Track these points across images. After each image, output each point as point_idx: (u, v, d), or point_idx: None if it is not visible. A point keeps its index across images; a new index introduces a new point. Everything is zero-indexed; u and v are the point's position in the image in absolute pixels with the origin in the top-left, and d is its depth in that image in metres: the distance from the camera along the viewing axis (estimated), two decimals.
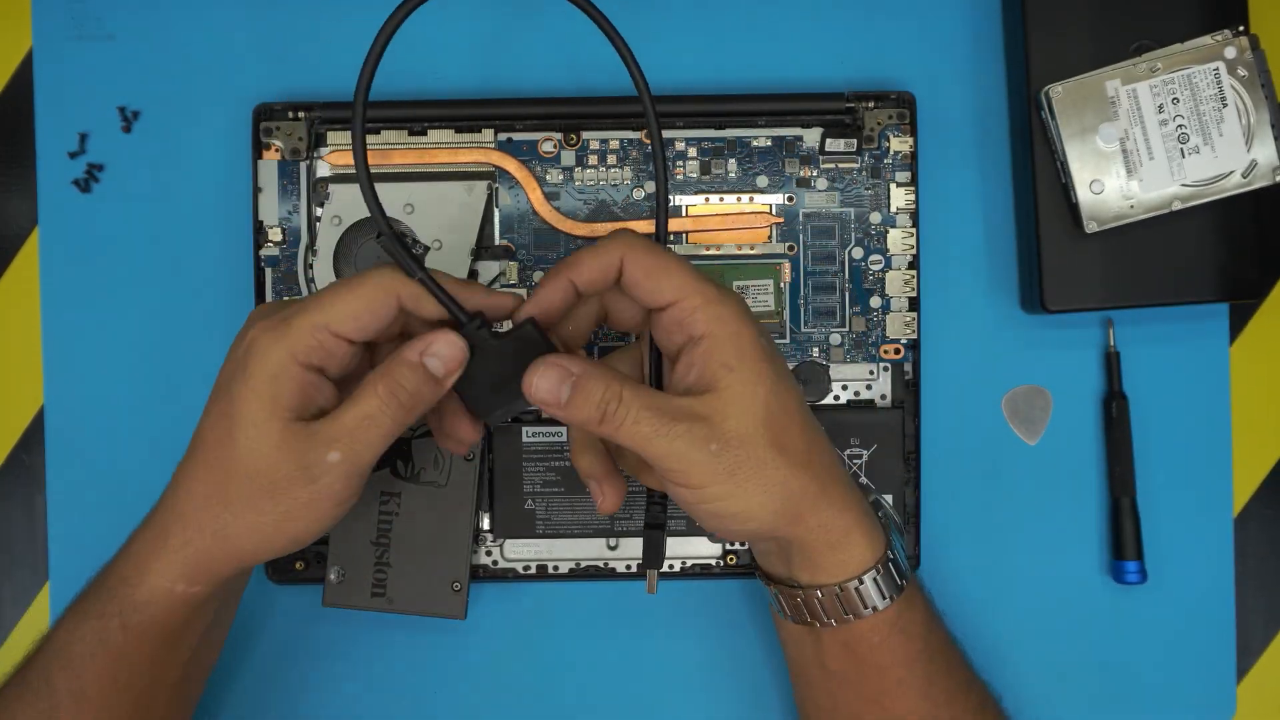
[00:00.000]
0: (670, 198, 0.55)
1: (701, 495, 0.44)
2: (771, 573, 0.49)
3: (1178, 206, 0.52)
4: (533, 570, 0.55)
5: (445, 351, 0.44)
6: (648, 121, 0.46)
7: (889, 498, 0.55)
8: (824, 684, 0.49)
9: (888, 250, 0.55)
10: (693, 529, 0.55)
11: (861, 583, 0.46)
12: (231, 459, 0.44)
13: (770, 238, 0.55)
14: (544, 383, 0.44)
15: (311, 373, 0.44)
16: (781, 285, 0.55)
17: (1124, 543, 0.55)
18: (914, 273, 0.55)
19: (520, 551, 0.55)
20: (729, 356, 0.44)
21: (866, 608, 0.46)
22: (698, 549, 0.55)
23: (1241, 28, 0.52)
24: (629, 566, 0.55)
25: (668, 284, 0.44)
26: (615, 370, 0.45)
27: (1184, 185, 0.52)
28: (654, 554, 0.48)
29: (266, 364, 0.43)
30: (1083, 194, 0.52)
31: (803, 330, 0.55)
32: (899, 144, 0.55)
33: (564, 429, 0.54)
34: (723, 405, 0.44)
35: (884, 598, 0.46)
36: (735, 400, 0.44)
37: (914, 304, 0.55)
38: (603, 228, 0.55)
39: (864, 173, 0.55)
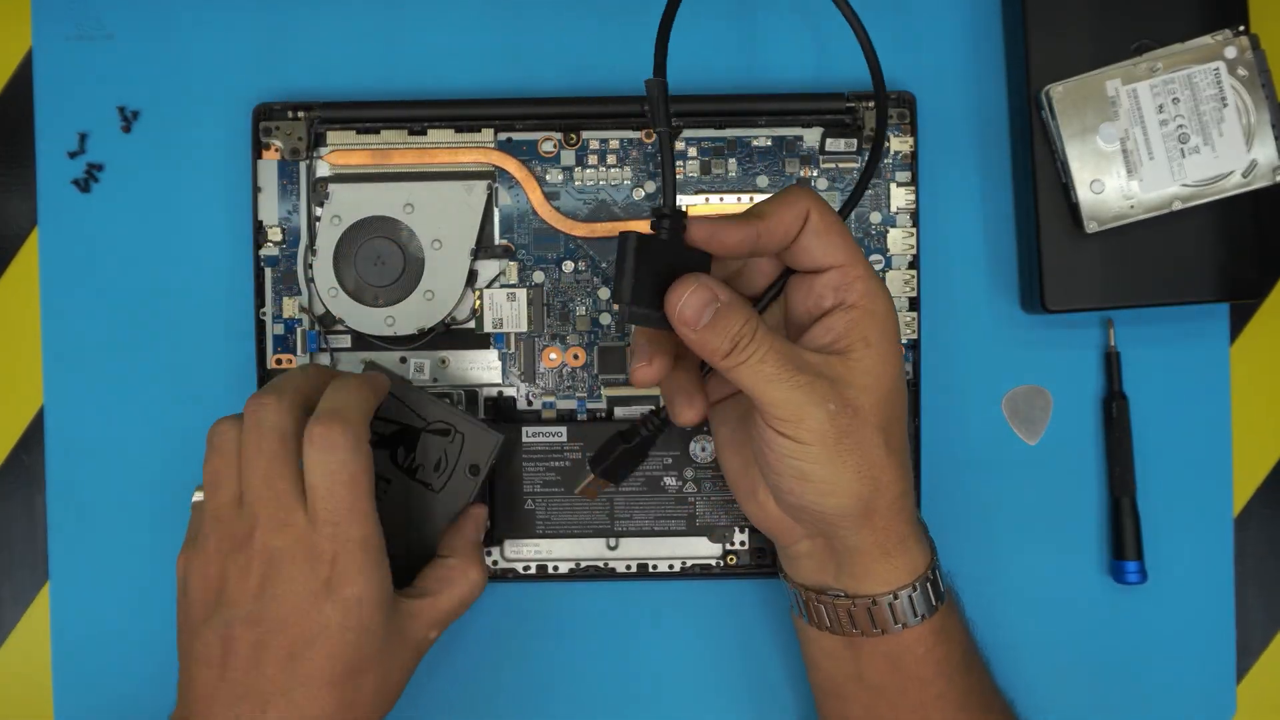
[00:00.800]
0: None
1: (801, 451, 0.43)
2: (805, 581, 0.48)
3: (1178, 206, 0.52)
4: (533, 570, 0.55)
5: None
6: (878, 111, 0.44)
7: None
8: (859, 697, 0.48)
9: (888, 250, 0.55)
10: (692, 529, 0.55)
11: (915, 590, 0.46)
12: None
13: None
14: (693, 299, 0.43)
15: None
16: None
17: (1124, 543, 0.55)
18: (914, 273, 0.55)
19: (520, 551, 0.55)
20: (872, 333, 0.44)
21: (916, 616, 0.46)
22: (697, 549, 0.55)
23: (1242, 28, 0.52)
24: (629, 566, 0.55)
25: (839, 247, 0.45)
26: (754, 309, 0.44)
27: (1184, 185, 0.52)
28: (610, 465, 0.49)
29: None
30: (1083, 194, 0.52)
31: None
32: (899, 144, 0.55)
33: (564, 429, 0.54)
34: (851, 373, 0.44)
35: (931, 607, 0.46)
36: (865, 373, 0.44)
37: (914, 304, 0.55)
38: (603, 227, 0.55)
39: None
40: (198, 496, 0.48)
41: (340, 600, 0.44)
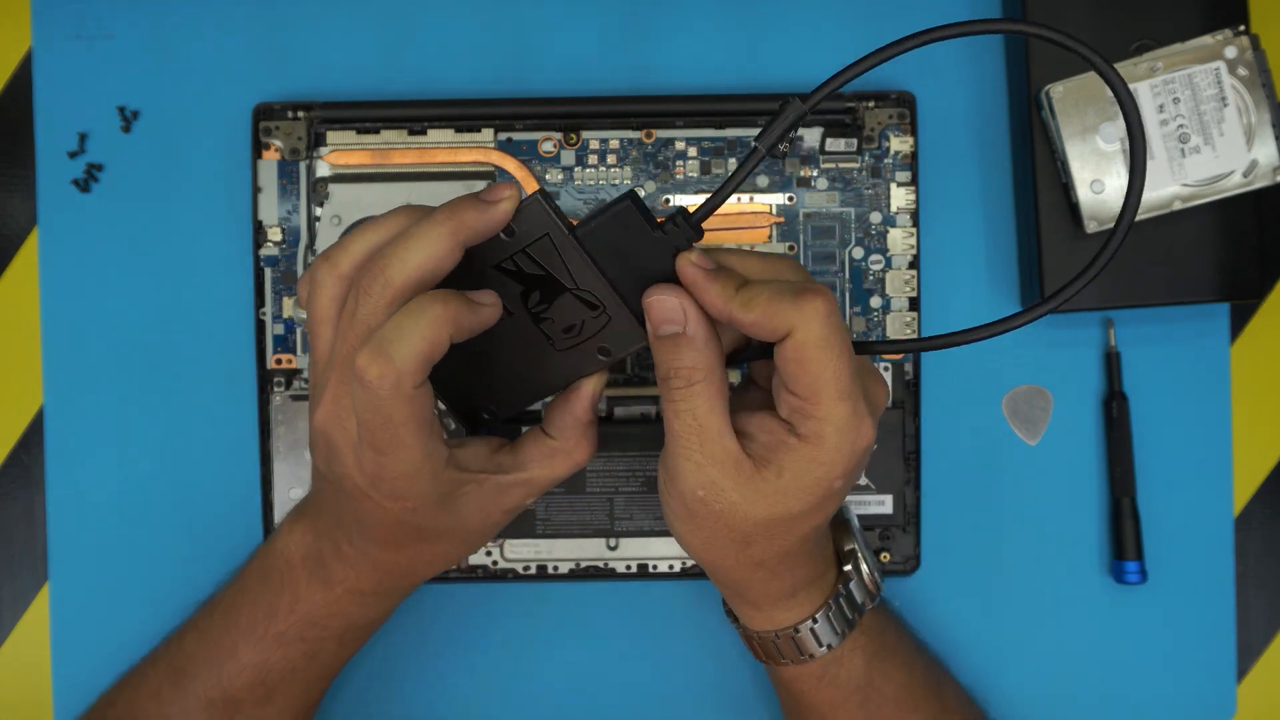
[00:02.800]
0: (672, 198, 0.55)
1: (664, 500, 0.44)
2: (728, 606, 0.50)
3: (1178, 206, 0.52)
4: (533, 570, 0.55)
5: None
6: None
7: (855, 518, 0.51)
8: (786, 709, 0.52)
9: (888, 250, 0.55)
10: None
11: (798, 631, 0.47)
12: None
13: (770, 238, 0.55)
14: (664, 308, 0.42)
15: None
16: None
17: (1124, 543, 0.55)
18: (914, 273, 0.55)
19: (520, 551, 0.55)
20: (793, 470, 0.42)
21: (804, 654, 0.47)
22: None
23: (1242, 27, 0.52)
24: (629, 566, 0.55)
25: (808, 383, 0.40)
26: (715, 353, 0.42)
27: (1184, 185, 0.52)
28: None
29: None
30: (1083, 194, 0.52)
31: None
32: (899, 144, 0.55)
33: None
34: (741, 486, 0.42)
35: (821, 645, 0.47)
36: (754, 495, 0.42)
37: (914, 304, 0.55)
38: None
39: (864, 173, 0.55)
40: (302, 314, 0.48)
41: (388, 507, 0.43)
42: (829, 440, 0.41)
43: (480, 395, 0.46)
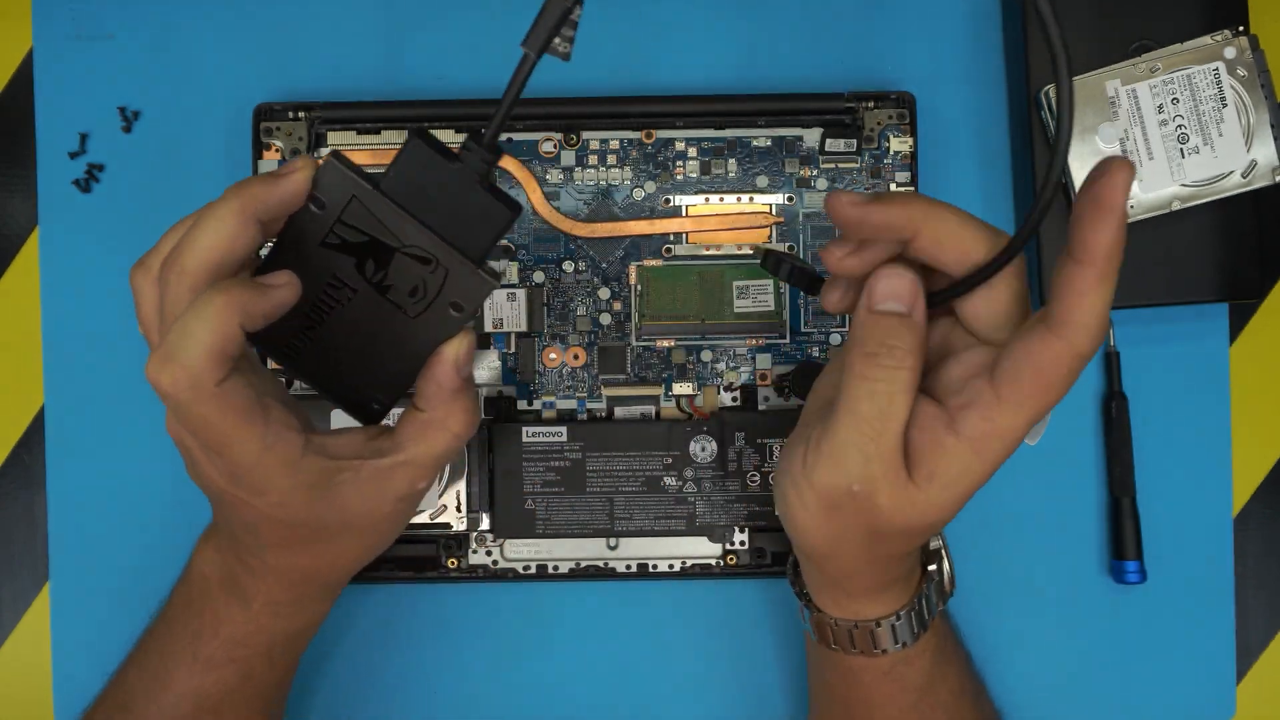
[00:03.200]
0: (672, 198, 0.56)
1: (798, 477, 0.41)
2: (801, 586, 0.48)
3: (1177, 206, 0.52)
4: (533, 570, 0.55)
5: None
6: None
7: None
8: (825, 705, 0.50)
9: None
10: (692, 529, 0.55)
11: (878, 625, 0.45)
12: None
13: (770, 238, 0.55)
14: (896, 285, 0.39)
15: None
16: (781, 285, 0.55)
17: (1124, 543, 0.55)
18: None
19: (520, 551, 0.55)
20: (947, 475, 0.39)
21: (878, 649, 0.46)
22: (697, 549, 0.55)
23: (1241, 28, 0.52)
24: (629, 566, 0.55)
25: (1005, 310, 0.39)
26: (922, 346, 0.39)
27: (1184, 185, 0.52)
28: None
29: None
30: None
31: (803, 330, 0.55)
32: (899, 144, 0.55)
33: (564, 429, 0.55)
34: (891, 495, 0.40)
35: (896, 642, 0.46)
36: (902, 505, 0.40)
37: None
38: (603, 227, 0.55)
39: (864, 173, 0.55)
40: None
41: (258, 504, 0.42)
42: (994, 448, 0.38)
43: (362, 385, 0.43)
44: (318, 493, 0.42)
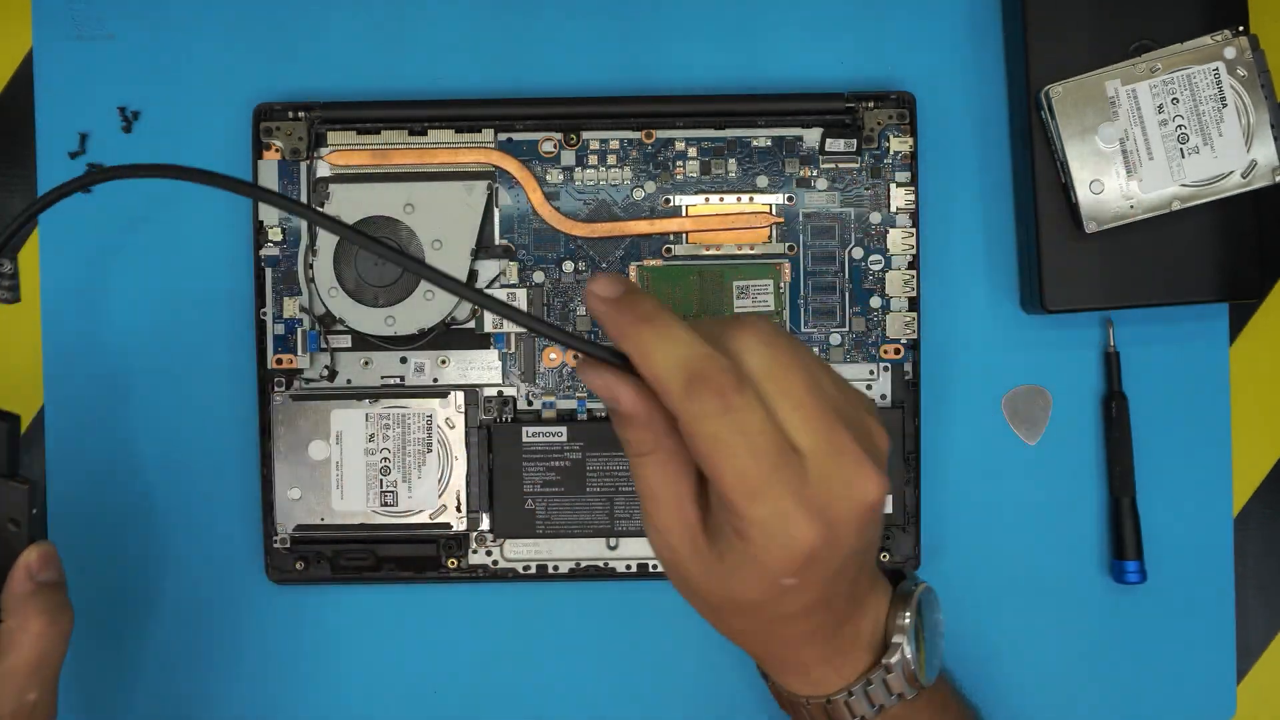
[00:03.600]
0: (672, 198, 0.55)
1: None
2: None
3: (1177, 206, 0.52)
4: (533, 570, 0.55)
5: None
6: None
7: (925, 598, 0.46)
8: None
9: (888, 250, 0.55)
10: None
11: (829, 702, 0.43)
12: None
13: (770, 238, 0.55)
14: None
15: None
16: (781, 285, 0.55)
17: (1124, 543, 0.55)
18: (914, 273, 0.55)
19: (520, 551, 0.55)
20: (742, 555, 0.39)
21: (855, 716, 0.43)
22: None
23: (1241, 28, 0.52)
24: (629, 566, 0.55)
25: (711, 465, 0.37)
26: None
27: (1184, 185, 0.52)
28: None
29: None
30: (1083, 194, 0.52)
31: (803, 330, 0.55)
32: (899, 144, 0.55)
33: (564, 429, 0.55)
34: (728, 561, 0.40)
35: (853, 716, 0.43)
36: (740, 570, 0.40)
37: (914, 304, 0.55)
38: (603, 228, 0.55)
39: (864, 173, 0.55)
40: None
41: None
42: (753, 539, 0.37)
43: None
44: None
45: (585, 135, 0.55)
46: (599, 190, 0.56)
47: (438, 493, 0.55)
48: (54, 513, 0.56)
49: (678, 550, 0.40)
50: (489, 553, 0.55)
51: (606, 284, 0.38)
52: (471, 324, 0.55)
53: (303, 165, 0.55)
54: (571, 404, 0.55)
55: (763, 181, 0.55)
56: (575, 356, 0.41)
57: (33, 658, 0.44)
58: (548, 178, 0.55)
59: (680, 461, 0.39)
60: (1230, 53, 0.52)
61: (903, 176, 0.55)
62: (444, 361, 0.55)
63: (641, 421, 0.39)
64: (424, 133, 0.55)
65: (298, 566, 0.55)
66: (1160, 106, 0.52)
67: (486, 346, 0.55)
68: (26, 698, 0.44)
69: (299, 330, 0.55)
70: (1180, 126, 0.52)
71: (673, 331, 0.37)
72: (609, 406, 0.39)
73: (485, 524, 0.55)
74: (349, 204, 0.54)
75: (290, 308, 0.55)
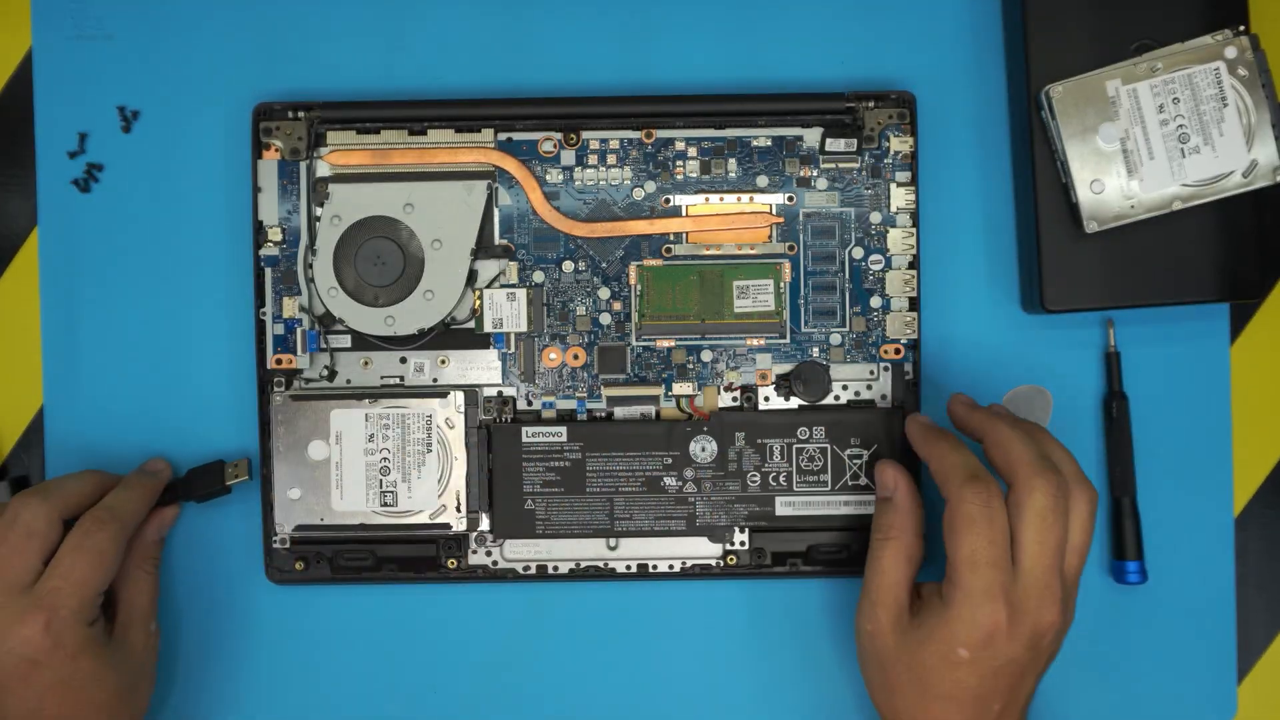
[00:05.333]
0: (672, 198, 0.55)
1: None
2: None
3: (1178, 206, 0.52)
4: (533, 570, 0.55)
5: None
6: None
7: None
8: None
9: (888, 250, 0.55)
10: (692, 529, 0.55)
11: None
12: None
13: (770, 238, 0.55)
14: (882, 475, 0.52)
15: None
16: (781, 285, 0.55)
17: (1124, 543, 0.55)
18: (914, 273, 0.55)
19: (520, 552, 0.55)
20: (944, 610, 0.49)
21: None
22: (697, 549, 0.55)
23: (1242, 27, 0.52)
24: (629, 567, 0.55)
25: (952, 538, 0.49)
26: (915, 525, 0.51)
27: (1184, 185, 0.52)
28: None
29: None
30: (1083, 194, 0.52)
31: (803, 330, 0.55)
32: (899, 144, 0.55)
33: (564, 429, 0.55)
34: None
35: None
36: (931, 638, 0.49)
37: (914, 304, 0.55)
38: (603, 227, 0.55)
39: (864, 173, 0.55)
40: None
41: (54, 664, 0.49)
42: (955, 604, 0.47)
43: None
44: (101, 648, 0.50)
45: (585, 135, 0.55)
46: (599, 190, 0.56)
47: (438, 493, 0.55)
48: None
49: (883, 620, 0.49)
50: (489, 553, 0.55)
51: (923, 420, 0.52)
52: (471, 324, 0.55)
53: (302, 165, 0.55)
54: (571, 404, 0.55)
55: (763, 181, 0.55)
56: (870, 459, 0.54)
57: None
58: (548, 177, 0.55)
59: (912, 552, 0.50)
60: (1231, 52, 0.52)
61: (903, 176, 0.55)
62: (444, 361, 0.55)
63: (903, 510, 0.50)
64: (424, 132, 0.55)
65: (298, 566, 0.55)
66: (1161, 106, 0.52)
67: (486, 346, 0.55)
68: (151, 627, 0.53)
69: (299, 330, 0.55)
70: (1181, 126, 0.52)
71: (963, 448, 0.49)
72: (882, 495, 0.51)
73: (485, 524, 0.55)
74: (349, 204, 0.54)
75: (290, 308, 0.55)
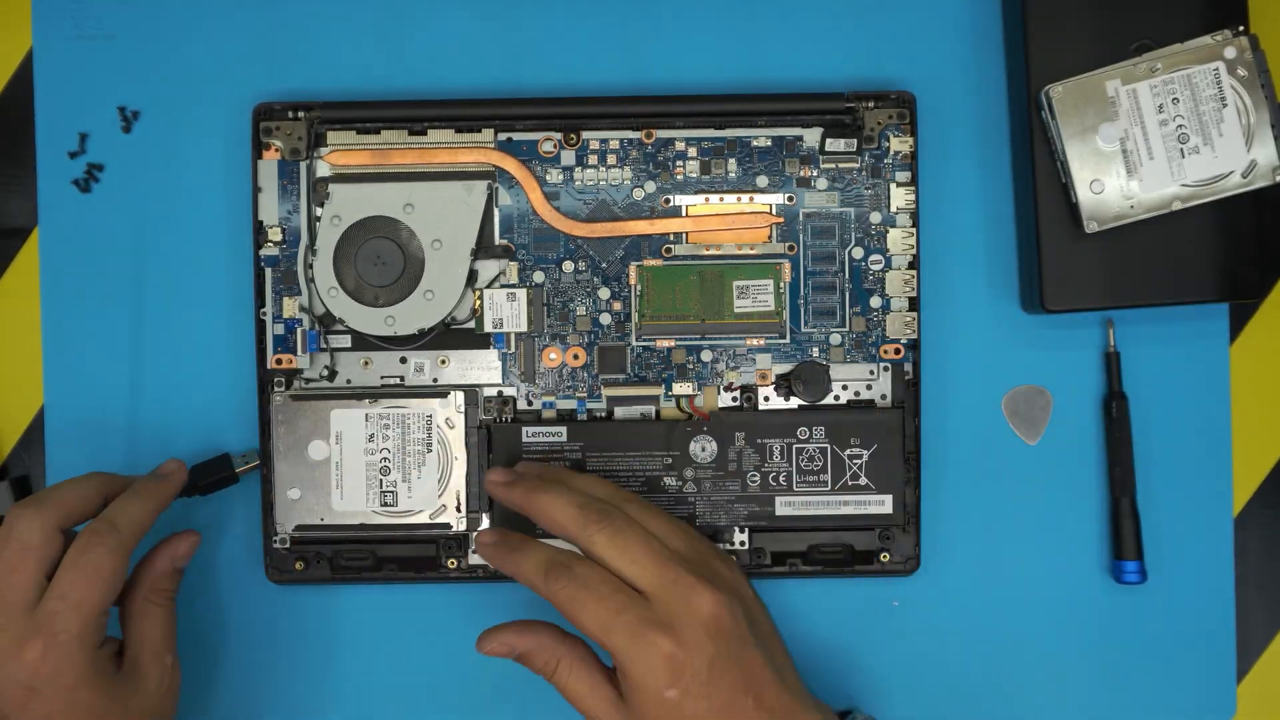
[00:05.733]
0: (672, 198, 0.56)
1: None
2: None
3: (1178, 206, 0.52)
4: None
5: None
6: None
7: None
8: None
9: (888, 250, 0.55)
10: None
11: None
12: None
13: (770, 238, 0.55)
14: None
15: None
16: (781, 285, 0.55)
17: (1124, 543, 0.55)
18: (914, 273, 0.55)
19: None
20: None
21: None
22: None
23: (1241, 28, 0.52)
24: None
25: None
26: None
27: (1184, 185, 0.52)
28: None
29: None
30: (1083, 194, 0.52)
31: (803, 330, 0.55)
32: (899, 144, 0.55)
33: (564, 429, 0.55)
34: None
35: None
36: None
37: (914, 304, 0.55)
38: (603, 228, 0.55)
39: (864, 173, 0.55)
40: None
41: (51, 693, 0.46)
42: (625, 668, 0.46)
43: None
44: (106, 681, 0.48)
45: (585, 135, 0.55)
46: (599, 190, 0.56)
47: (437, 493, 0.55)
48: None
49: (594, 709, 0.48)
50: None
51: (485, 540, 0.50)
52: (471, 324, 0.55)
53: (302, 165, 0.55)
54: (571, 404, 0.55)
55: (763, 181, 0.55)
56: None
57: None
58: (548, 178, 0.55)
59: (578, 659, 0.49)
60: (1230, 53, 0.52)
61: (903, 176, 0.55)
62: (444, 361, 0.55)
63: (535, 650, 0.49)
64: (424, 132, 0.55)
65: (298, 566, 0.55)
66: (1160, 106, 0.52)
67: (486, 346, 0.55)
68: (166, 661, 0.50)
69: (299, 330, 0.55)
70: (1180, 126, 0.52)
71: (528, 549, 0.49)
72: (512, 657, 0.49)
73: (485, 524, 0.55)
74: (349, 204, 0.54)
75: (290, 308, 0.55)
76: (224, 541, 0.56)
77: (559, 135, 0.55)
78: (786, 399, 0.55)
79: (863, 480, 0.55)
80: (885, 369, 0.55)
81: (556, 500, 0.48)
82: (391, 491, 0.55)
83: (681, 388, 0.55)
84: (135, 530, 0.49)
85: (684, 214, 0.55)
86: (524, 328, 0.55)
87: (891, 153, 0.55)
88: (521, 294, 0.55)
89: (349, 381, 0.55)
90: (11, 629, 0.46)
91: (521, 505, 0.50)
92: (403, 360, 0.55)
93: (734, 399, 0.56)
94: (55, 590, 0.47)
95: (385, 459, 0.55)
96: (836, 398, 0.55)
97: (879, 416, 0.55)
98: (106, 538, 0.48)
